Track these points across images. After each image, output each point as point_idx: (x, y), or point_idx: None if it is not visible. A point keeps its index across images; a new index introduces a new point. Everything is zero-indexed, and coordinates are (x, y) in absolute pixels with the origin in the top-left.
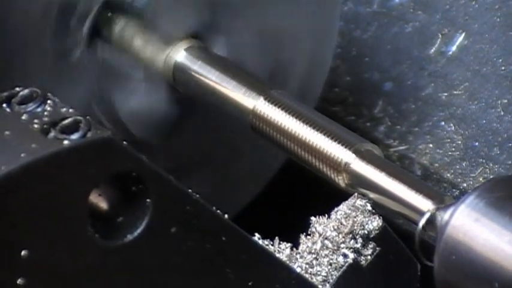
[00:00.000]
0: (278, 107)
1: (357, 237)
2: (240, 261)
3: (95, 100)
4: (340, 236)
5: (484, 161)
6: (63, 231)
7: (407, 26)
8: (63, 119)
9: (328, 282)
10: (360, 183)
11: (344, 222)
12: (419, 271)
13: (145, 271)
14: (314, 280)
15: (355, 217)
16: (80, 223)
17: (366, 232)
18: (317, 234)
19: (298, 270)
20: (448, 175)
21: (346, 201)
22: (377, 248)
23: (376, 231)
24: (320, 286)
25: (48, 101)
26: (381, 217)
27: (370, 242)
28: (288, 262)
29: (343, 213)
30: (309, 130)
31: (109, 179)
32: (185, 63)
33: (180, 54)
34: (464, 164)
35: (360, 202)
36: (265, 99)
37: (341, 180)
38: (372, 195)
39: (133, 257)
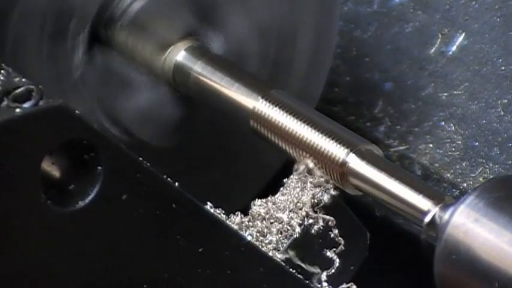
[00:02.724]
0: (278, 107)
1: (308, 206)
2: (190, 228)
3: (96, 103)
4: (291, 205)
5: (484, 161)
6: (16, 197)
7: (407, 26)
8: (16, 88)
9: (279, 250)
10: (360, 183)
11: (295, 192)
12: (368, 240)
13: (97, 237)
14: (265, 248)
15: (305, 187)
16: (32, 190)
17: (316, 201)
18: (269, 203)
19: (249, 238)
20: (448, 175)
21: (298, 172)
22: (327, 217)
23: (327, 201)
24: (270, 253)
25: (2, 71)
26: (331, 187)
27: (321, 211)
28: (238, 230)
29: (294, 183)
30: (308, 130)
31: (61, 147)
32: (185, 63)
33: (180, 54)
34: (464, 164)
35: (309, 172)
36: (265, 99)
37: (341, 180)
38: (372, 195)
39: (85, 223)
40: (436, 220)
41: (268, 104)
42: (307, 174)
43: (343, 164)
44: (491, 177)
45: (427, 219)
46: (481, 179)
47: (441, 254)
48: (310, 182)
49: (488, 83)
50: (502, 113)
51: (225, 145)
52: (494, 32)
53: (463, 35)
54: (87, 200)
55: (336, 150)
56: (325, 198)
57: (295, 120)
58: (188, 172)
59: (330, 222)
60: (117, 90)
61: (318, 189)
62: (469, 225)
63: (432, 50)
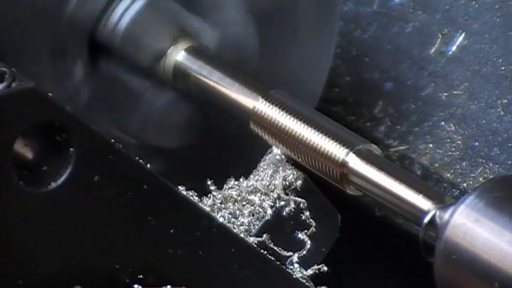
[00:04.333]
0: (278, 107)
1: (279, 188)
2: (161, 209)
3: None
4: (263, 187)
5: (484, 161)
6: None
7: (407, 26)
8: None
9: (250, 232)
10: (359, 183)
11: (267, 175)
12: (339, 221)
13: (69, 218)
14: (237, 230)
15: (277, 170)
16: (4, 171)
17: (288, 184)
18: (241, 186)
19: (221, 220)
20: (448, 175)
21: (269, 155)
22: (298, 199)
23: (297, 183)
24: (242, 235)
25: None
26: (300, 171)
27: (292, 193)
28: (211, 212)
29: (265, 166)
30: (308, 130)
31: (34, 128)
32: (185, 63)
33: (180, 54)
34: (464, 164)
35: (281, 155)
36: (265, 99)
37: (341, 180)
38: (372, 195)
39: (58, 204)
40: (436, 220)
41: (268, 104)
42: (280, 157)
43: (343, 164)
44: (491, 177)
45: (427, 219)
46: (481, 179)
47: (441, 254)
48: (282, 165)
49: (488, 83)
50: (502, 113)
51: (224, 145)
52: (494, 32)
53: (463, 35)
54: (59, 181)
55: (336, 150)
56: (297, 180)
57: (295, 120)
58: (187, 171)
59: (301, 205)
60: (122, 97)
61: (289, 172)
62: (469, 225)
63: (432, 50)
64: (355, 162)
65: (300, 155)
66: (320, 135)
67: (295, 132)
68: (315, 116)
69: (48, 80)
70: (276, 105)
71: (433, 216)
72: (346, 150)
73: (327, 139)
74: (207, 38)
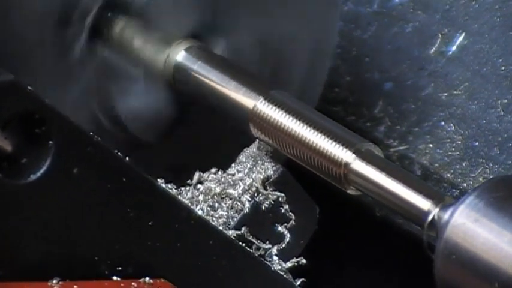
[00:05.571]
0: (278, 107)
1: (258, 182)
2: (140, 201)
3: (94, 99)
4: (242, 181)
5: (484, 161)
6: None
7: (407, 26)
8: None
9: (229, 225)
10: (360, 183)
11: (244, 168)
12: (317, 214)
13: (48, 210)
14: (215, 223)
15: (256, 163)
16: None
17: (266, 176)
18: (221, 179)
19: (200, 212)
20: (448, 175)
21: (247, 149)
22: (277, 193)
23: (276, 176)
24: (221, 228)
25: None
26: (279, 164)
27: (271, 186)
28: (190, 205)
29: (244, 158)
30: (308, 130)
31: (13, 120)
32: (185, 63)
33: (180, 54)
34: (464, 164)
35: (260, 149)
36: (265, 99)
37: (341, 180)
38: (372, 195)
39: (37, 196)
40: (436, 220)
41: (268, 104)
42: (258, 151)
43: (343, 164)
44: (491, 177)
45: (427, 219)
46: (481, 179)
47: (441, 254)
48: (261, 158)
49: (488, 83)
50: (502, 113)
51: (224, 145)
52: (494, 32)
53: (463, 35)
54: (38, 174)
55: (336, 151)
56: (275, 173)
57: (295, 121)
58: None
59: (280, 198)
60: (116, 87)
61: (268, 165)
62: (469, 225)
63: (432, 50)
64: (355, 163)
65: (300, 155)
66: (320, 135)
67: (295, 133)
68: (315, 116)
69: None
70: (276, 105)
71: (433, 216)
72: (346, 151)
73: (327, 139)
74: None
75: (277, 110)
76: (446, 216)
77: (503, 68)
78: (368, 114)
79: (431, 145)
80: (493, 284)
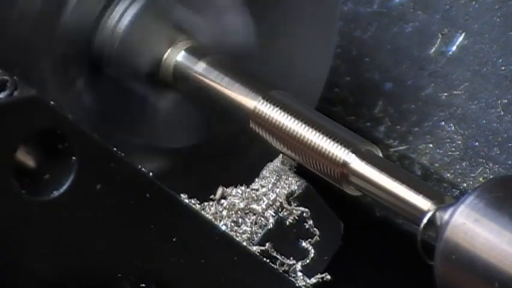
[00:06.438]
0: (278, 108)
1: (282, 196)
2: (163, 217)
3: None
4: (265, 196)
5: (484, 161)
6: None
7: (407, 26)
8: None
9: (253, 241)
10: (359, 183)
11: (268, 182)
12: (342, 230)
13: (71, 226)
14: (239, 238)
15: (280, 178)
16: (6, 179)
17: (291, 192)
18: (244, 194)
19: (224, 228)
20: (448, 175)
21: (271, 164)
22: (302, 208)
23: (300, 191)
24: (245, 244)
25: None
26: (303, 179)
27: (294, 202)
28: (213, 220)
29: (267, 173)
30: (309, 130)
31: (35, 137)
32: (185, 63)
33: (180, 54)
34: (464, 164)
35: (284, 164)
36: (265, 99)
37: (341, 180)
38: (372, 195)
39: (59, 212)
40: (436, 220)
41: (268, 105)
42: (282, 165)
43: (343, 164)
44: (491, 177)
45: (427, 219)
46: (481, 179)
47: (441, 254)
48: (285, 173)
49: (488, 83)
50: (502, 113)
51: (224, 145)
52: (494, 32)
53: (463, 35)
54: (61, 190)
55: (336, 151)
56: (299, 188)
57: (296, 121)
58: (186, 171)
59: (304, 214)
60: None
61: (292, 180)
62: (469, 225)
63: (432, 50)
64: (355, 163)
65: (300, 156)
66: (320, 135)
67: (295, 133)
68: (315, 116)
69: (51, 91)
70: (276, 106)
71: (433, 216)
72: (346, 151)
73: (327, 139)
74: (204, 34)
75: (278, 110)
76: (446, 216)
77: (503, 68)
78: (368, 114)
79: (431, 145)
80: (493, 284)
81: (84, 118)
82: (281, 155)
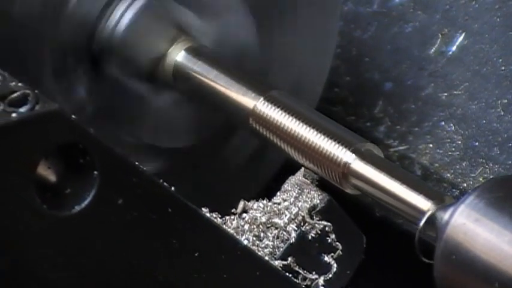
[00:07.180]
0: (278, 107)
1: (304, 210)
2: (185, 232)
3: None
4: (287, 210)
5: (484, 161)
6: (11, 202)
7: (407, 26)
8: (12, 92)
9: (275, 255)
10: (359, 183)
11: (290, 196)
12: (364, 243)
13: (92, 241)
14: (261, 253)
15: (302, 191)
16: (28, 194)
17: (313, 206)
18: (266, 208)
19: (245, 242)
20: (448, 175)
21: (293, 177)
22: (324, 222)
23: (322, 205)
24: (267, 258)
25: None
26: (325, 193)
27: (317, 215)
28: (235, 234)
29: (289, 187)
30: (308, 130)
31: (57, 151)
32: (185, 63)
33: (180, 54)
34: (464, 164)
35: (306, 177)
36: (265, 99)
37: (341, 180)
38: (372, 195)
39: (81, 227)
40: (436, 220)
41: (268, 104)
42: (304, 179)
43: (343, 164)
44: (491, 177)
45: (427, 219)
46: (481, 179)
47: (441, 254)
48: (307, 187)
49: (488, 83)
50: (502, 113)
51: (224, 145)
52: (494, 32)
53: (463, 35)
54: (83, 205)
55: (336, 151)
56: (321, 202)
57: (295, 121)
58: (187, 171)
59: (327, 228)
60: (127, 101)
61: (314, 194)
62: (469, 225)
63: (432, 50)
64: (355, 163)
65: (300, 155)
66: (320, 135)
67: (295, 133)
68: (315, 116)
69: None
70: (276, 106)
71: (433, 216)
72: (346, 151)
73: (327, 139)
74: (205, 35)
75: (277, 110)
76: (446, 216)
77: (503, 68)
78: (368, 114)
79: (431, 145)
80: (493, 284)
81: (84, 117)
82: (302, 168)
